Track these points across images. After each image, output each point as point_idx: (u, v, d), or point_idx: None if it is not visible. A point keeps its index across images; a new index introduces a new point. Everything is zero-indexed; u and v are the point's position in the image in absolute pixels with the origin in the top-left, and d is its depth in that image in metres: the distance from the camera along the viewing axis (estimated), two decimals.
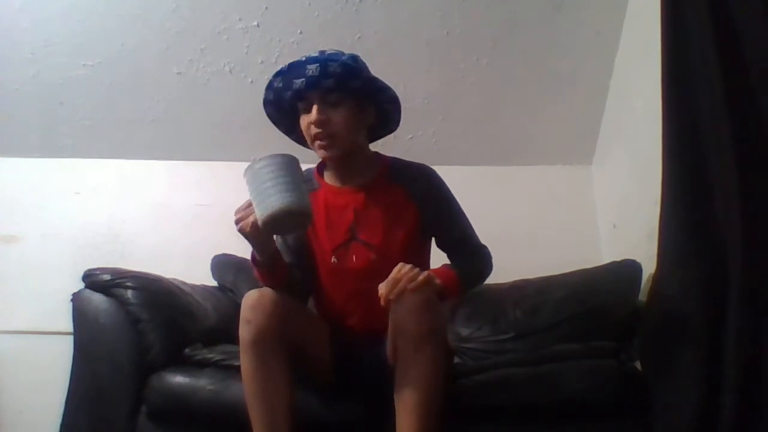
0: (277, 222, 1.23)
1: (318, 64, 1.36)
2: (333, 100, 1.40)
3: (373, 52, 1.61)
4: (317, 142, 1.43)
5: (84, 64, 2.38)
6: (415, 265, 1.31)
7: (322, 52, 1.42)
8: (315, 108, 1.40)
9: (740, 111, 1.31)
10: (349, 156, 1.49)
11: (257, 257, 1.39)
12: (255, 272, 1.43)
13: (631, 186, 2.24)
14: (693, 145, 1.39)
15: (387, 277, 1.28)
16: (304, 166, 1.42)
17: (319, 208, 1.47)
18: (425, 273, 1.28)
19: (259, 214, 1.23)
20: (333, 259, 1.47)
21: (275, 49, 2.34)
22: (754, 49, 1.31)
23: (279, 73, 1.42)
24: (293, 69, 1.39)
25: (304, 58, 1.39)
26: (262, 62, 2.37)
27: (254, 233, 1.29)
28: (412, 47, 2.31)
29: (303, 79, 1.38)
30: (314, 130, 1.41)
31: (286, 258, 1.48)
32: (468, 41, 2.33)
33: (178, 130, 2.56)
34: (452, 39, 2.33)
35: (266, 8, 2.26)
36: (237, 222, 1.31)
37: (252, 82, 2.41)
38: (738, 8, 1.34)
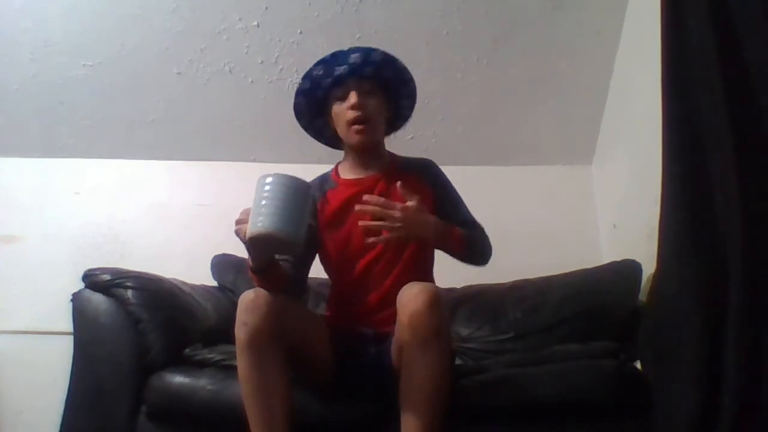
0: (261, 242, 1.25)
1: (361, 53, 1.51)
2: (367, 87, 1.52)
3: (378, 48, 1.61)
4: (354, 127, 1.52)
5: (84, 64, 2.38)
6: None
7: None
8: (353, 93, 1.50)
9: (740, 111, 1.30)
10: (375, 146, 1.60)
11: (250, 263, 1.40)
12: (249, 273, 1.44)
13: (631, 186, 2.24)
14: (693, 145, 1.39)
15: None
16: (319, 168, 1.56)
17: (341, 203, 1.56)
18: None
19: (248, 229, 1.23)
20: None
21: (275, 49, 2.34)
22: (754, 49, 1.31)
23: (320, 62, 1.54)
24: (336, 57, 1.52)
25: (347, 49, 1.53)
26: (262, 62, 2.37)
27: (246, 243, 1.30)
28: (412, 47, 2.31)
29: (346, 66, 1.51)
30: (352, 114, 1.51)
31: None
32: (468, 41, 2.34)
33: (178, 130, 2.56)
34: (452, 39, 2.33)
35: (266, 8, 2.26)
36: (236, 224, 1.32)
37: (252, 82, 2.41)
38: (738, 8, 1.34)
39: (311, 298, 2.10)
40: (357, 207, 1.38)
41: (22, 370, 2.31)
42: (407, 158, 1.68)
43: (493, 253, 1.58)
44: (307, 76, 1.55)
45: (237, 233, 1.32)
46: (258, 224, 1.21)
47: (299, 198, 1.24)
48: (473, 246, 1.53)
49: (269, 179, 1.23)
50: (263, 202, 1.21)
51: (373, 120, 1.54)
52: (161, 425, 1.57)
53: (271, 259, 1.40)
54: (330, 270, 1.63)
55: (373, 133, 1.56)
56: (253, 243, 1.26)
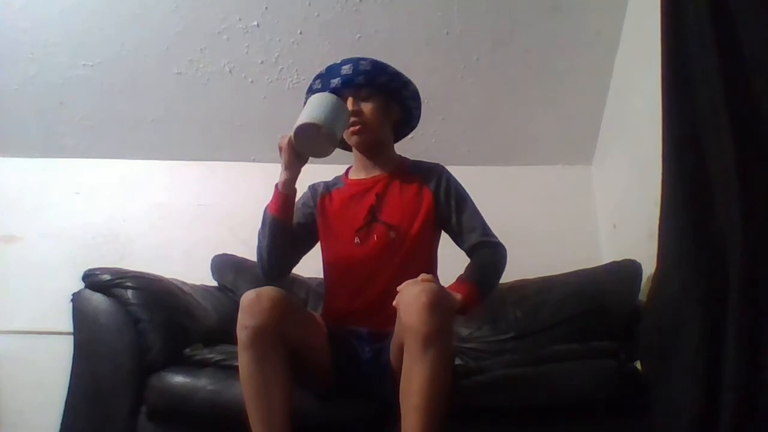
0: (304, 133, 1.42)
1: (351, 64, 1.58)
2: (364, 95, 1.59)
3: (373, 52, 1.63)
4: (351, 129, 1.58)
5: (84, 64, 2.38)
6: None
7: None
8: (350, 100, 1.57)
9: (740, 111, 1.31)
10: (377, 147, 1.66)
11: (279, 179, 1.52)
12: (271, 202, 1.53)
13: (631, 186, 2.24)
14: (693, 145, 1.39)
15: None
16: (320, 168, 1.62)
17: (343, 201, 1.65)
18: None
19: (295, 123, 1.42)
20: (356, 240, 1.57)
21: (275, 49, 2.34)
22: (754, 49, 1.31)
23: (318, 76, 1.63)
24: (330, 71, 1.61)
25: (339, 61, 1.60)
26: (262, 62, 2.37)
27: (288, 147, 1.47)
28: (412, 47, 2.32)
29: (339, 78, 1.59)
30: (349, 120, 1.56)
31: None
32: (468, 41, 2.34)
33: (178, 130, 2.56)
34: (452, 39, 2.33)
35: (266, 8, 2.26)
36: (280, 139, 1.49)
37: (252, 82, 2.41)
38: (738, 8, 1.34)
39: (311, 298, 2.10)
40: None
41: (22, 370, 2.31)
42: (417, 162, 1.72)
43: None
44: (309, 90, 1.64)
45: (279, 146, 1.49)
46: (304, 117, 1.42)
47: (338, 108, 1.45)
48: (487, 288, 1.51)
49: (315, 95, 1.48)
50: (309, 106, 1.44)
51: (369, 124, 1.60)
52: (161, 425, 1.57)
53: (302, 164, 1.51)
54: (325, 268, 1.66)
55: (370, 133, 1.61)
56: (298, 134, 1.43)
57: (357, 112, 1.58)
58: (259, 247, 1.57)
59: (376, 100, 1.60)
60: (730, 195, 1.29)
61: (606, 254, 2.38)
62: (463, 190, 1.66)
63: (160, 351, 1.61)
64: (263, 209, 1.56)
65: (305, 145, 1.46)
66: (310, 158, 1.51)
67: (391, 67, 1.62)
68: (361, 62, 1.59)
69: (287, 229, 1.56)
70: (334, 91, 1.59)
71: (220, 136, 2.58)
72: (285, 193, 1.53)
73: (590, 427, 1.46)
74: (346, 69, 1.58)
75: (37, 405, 2.18)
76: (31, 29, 2.30)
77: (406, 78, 1.64)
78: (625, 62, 2.32)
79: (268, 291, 1.32)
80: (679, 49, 1.44)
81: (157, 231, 2.53)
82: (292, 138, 1.45)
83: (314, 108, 1.43)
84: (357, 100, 1.59)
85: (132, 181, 2.61)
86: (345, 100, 1.58)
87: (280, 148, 1.49)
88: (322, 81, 1.62)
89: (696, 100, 1.39)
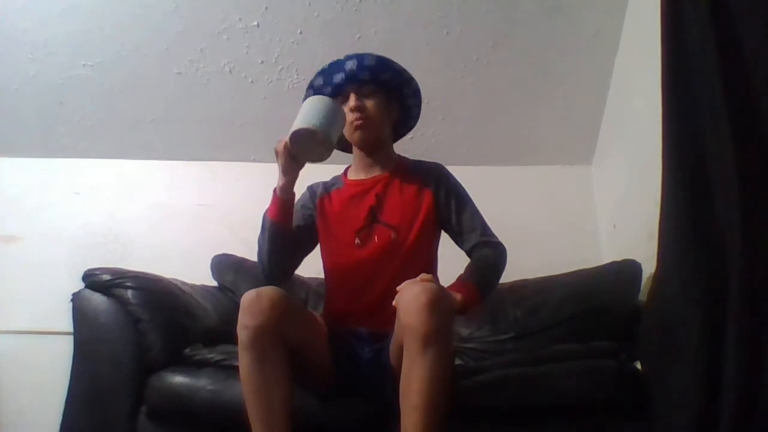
0: (300, 138, 1.40)
1: (355, 59, 1.57)
2: (366, 91, 1.59)
3: (373, 52, 1.63)
4: (355, 123, 1.57)
5: (84, 64, 2.38)
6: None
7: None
8: (353, 96, 1.57)
9: (740, 111, 1.30)
10: (378, 145, 1.65)
11: (277, 184, 1.51)
12: (270, 207, 1.53)
13: (631, 186, 2.24)
14: (693, 145, 1.39)
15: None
16: (319, 168, 1.57)
17: (343, 202, 1.64)
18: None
19: (291, 129, 1.40)
20: (357, 241, 1.57)
21: (275, 49, 2.34)
22: (754, 49, 1.31)
23: (320, 72, 1.61)
24: (333, 66, 1.59)
25: (343, 57, 1.58)
26: (262, 62, 2.37)
27: (284, 152, 1.45)
28: (412, 47, 2.32)
29: (342, 74, 1.58)
30: (352, 115, 1.56)
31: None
32: (468, 41, 2.34)
33: (178, 130, 2.56)
34: (452, 39, 2.33)
35: (266, 8, 2.26)
36: (277, 144, 1.48)
37: (252, 82, 2.41)
38: (738, 8, 1.34)
39: (311, 298, 2.10)
40: None
41: (22, 370, 2.31)
42: (417, 162, 1.71)
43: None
44: (310, 87, 1.63)
45: (276, 150, 1.47)
46: (299, 122, 1.40)
47: (334, 111, 1.43)
48: (487, 288, 1.51)
49: (310, 98, 1.46)
50: (304, 111, 1.42)
51: (372, 119, 1.59)
52: (161, 425, 1.57)
53: (299, 168, 1.49)
54: (325, 269, 1.66)
55: (373, 129, 1.60)
56: (294, 139, 1.41)
57: (360, 107, 1.57)
58: (260, 252, 1.56)
59: (378, 96, 1.60)
60: (730, 195, 1.29)
61: (606, 254, 2.38)
62: (463, 190, 1.66)
63: (160, 351, 1.61)
64: (262, 214, 1.55)
65: (301, 150, 1.44)
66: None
67: (396, 63, 1.61)
68: (366, 58, 1.58)
69: (287, 233, 1.55)
70: (336, 86, 1.59)
71: (220, 136, 2.58)
72: (283, 198, 1.52)
73: (590, 427, 1.46)
74: (350, 64, 1.57)
75: (37, 405, 2.18)
76: (31, 29, 2.30)
77: (410, 75, 1.64)
78: (625, 62, 2.31)
79: (268, 291, 1.32)
80: (679, 49, 1.44)
81: (157, 231, 2.53)
82: (288, 143, 1.44)
83: (309, 112, 1.41)
84: (359, 96, 1.58)
85: (132, 181, 2.61)
86: (347, 96, 1.57)
87: (277, 153, 1.48)
88: (324, 77, 1.61)
89: (696, 100, 1.39)
